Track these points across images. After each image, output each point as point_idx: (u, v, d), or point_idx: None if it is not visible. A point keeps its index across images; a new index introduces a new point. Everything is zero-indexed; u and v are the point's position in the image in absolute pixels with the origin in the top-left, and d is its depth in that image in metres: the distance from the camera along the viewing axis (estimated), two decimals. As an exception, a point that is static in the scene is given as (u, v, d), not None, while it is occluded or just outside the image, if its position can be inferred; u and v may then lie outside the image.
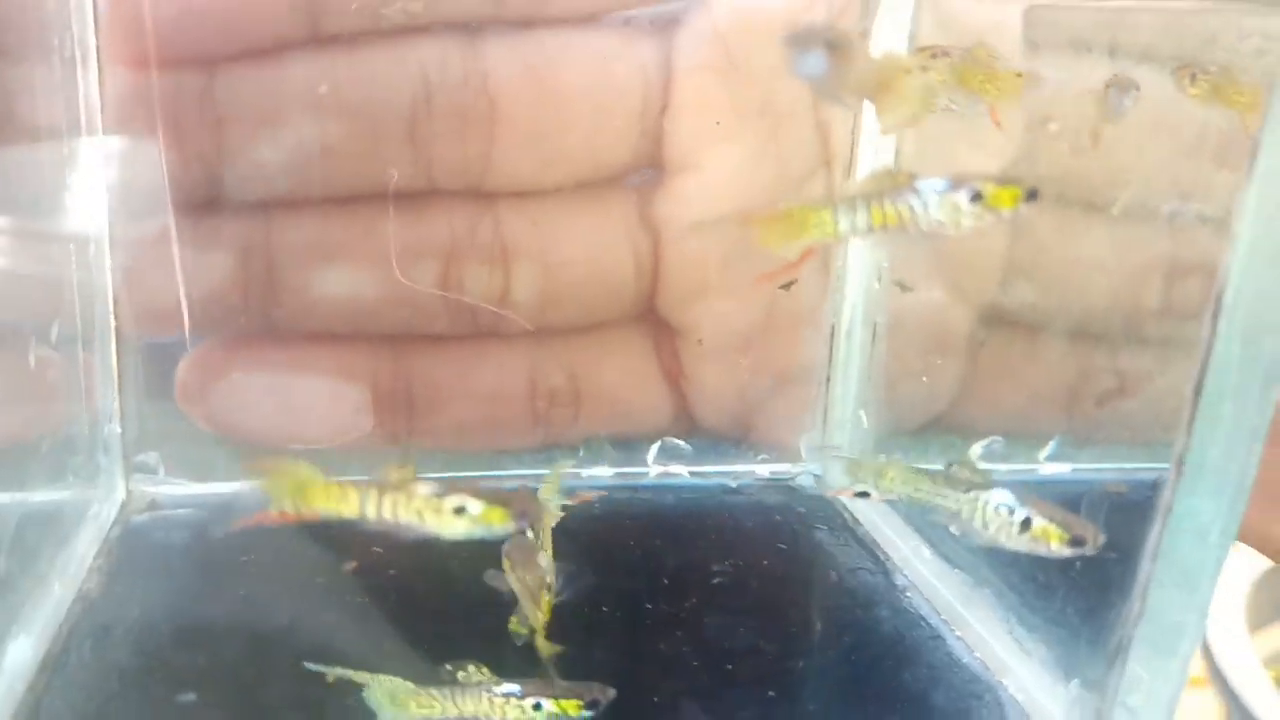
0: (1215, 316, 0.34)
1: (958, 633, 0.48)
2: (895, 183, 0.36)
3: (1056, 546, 0.38)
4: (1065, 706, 0.41)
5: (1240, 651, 1.64)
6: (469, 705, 0.37)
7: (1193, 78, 0.41)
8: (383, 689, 0.37)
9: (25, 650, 0.41)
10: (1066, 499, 0.43)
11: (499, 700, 0.37)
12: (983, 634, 0.47)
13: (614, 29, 0.54)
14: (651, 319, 0.59)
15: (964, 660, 0.46)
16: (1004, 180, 0.36)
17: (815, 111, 0.56)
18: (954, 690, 0.44)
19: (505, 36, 0.53)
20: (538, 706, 0.37)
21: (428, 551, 0.43)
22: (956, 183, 0.35)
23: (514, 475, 0.58)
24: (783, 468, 0.61)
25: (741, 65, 0.55)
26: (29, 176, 0.47)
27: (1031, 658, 0.44)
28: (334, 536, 0.49)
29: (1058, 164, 0.53)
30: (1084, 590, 0.41)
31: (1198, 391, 0.34)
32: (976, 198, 0.35)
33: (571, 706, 0.37)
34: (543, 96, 0.54)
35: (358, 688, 0.38)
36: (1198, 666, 1.77)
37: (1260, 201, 0.33)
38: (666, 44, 0.55)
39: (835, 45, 0.36)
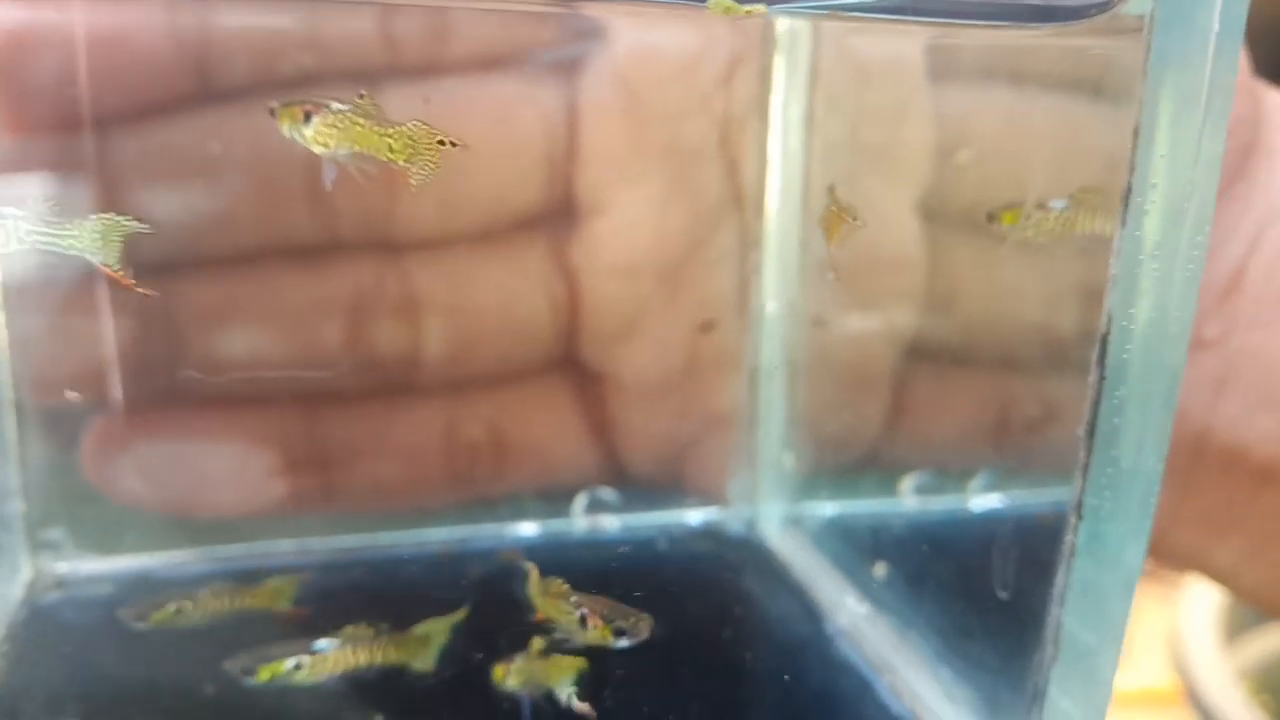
0: (1106, 333, 0.34)
1: (886, 679, 0.47)
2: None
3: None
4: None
5: (1214, 666, 1.66)
6: None
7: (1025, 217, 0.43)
8: None
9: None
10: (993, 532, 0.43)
11: None
12: (910, 680, 0.46)
13: (513, 73, 0.54)
14: (573, 366, 0.59)
15: (893, 708, 0.45)
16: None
17: (723, 150, 0.56)
18: (882, 740, 0.43)
19: (402, 84, 0.52)
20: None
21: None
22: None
23: (435, 537, 0.57)
24: (713, 513, 0.61)
25: (646, 106, 0.54)
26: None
27: (958, 703, 0.44)
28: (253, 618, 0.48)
29: (967, 194, 0.53)
30: (1003, 631, 0.40)
31: (1093, 415, 0.34)
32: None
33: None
34: (443, 143, 0.53)
35: None
36: (1172, 681, 1.78)
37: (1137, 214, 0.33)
38: (569, 88, 0.54)
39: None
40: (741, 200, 0.57)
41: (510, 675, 0.45)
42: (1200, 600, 1.79)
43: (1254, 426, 0.47)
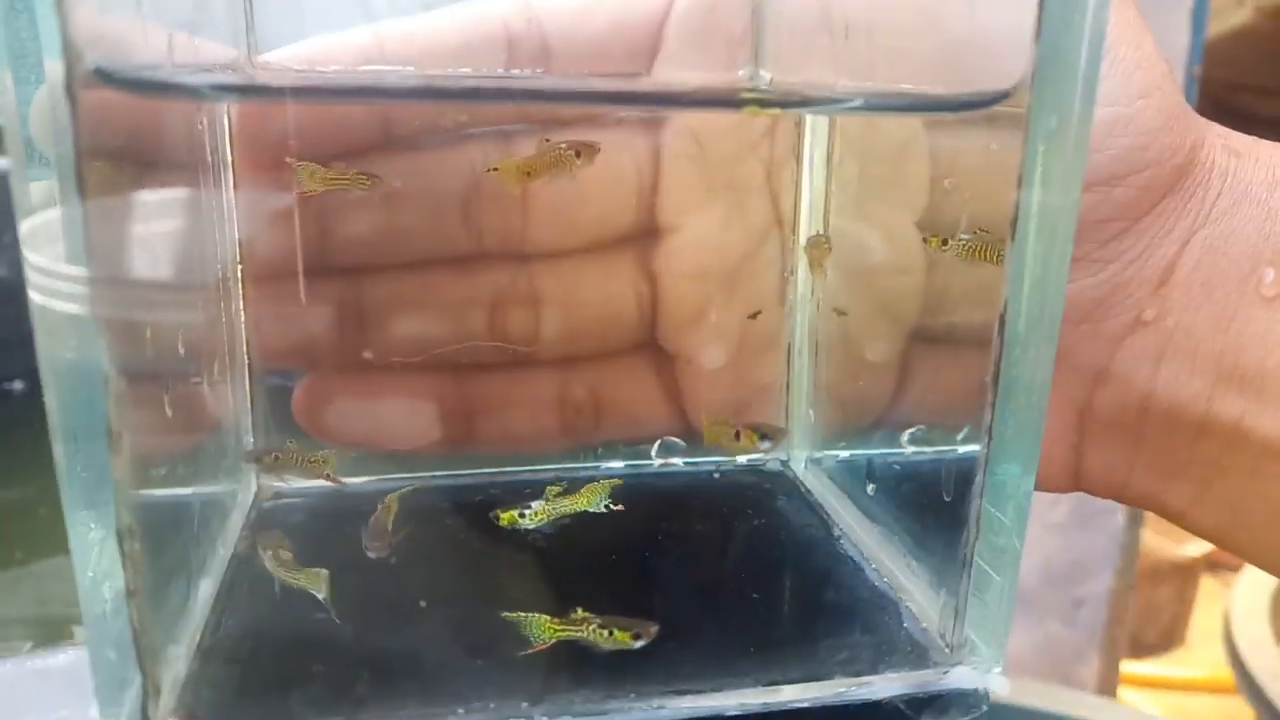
0: (1002, 319, 0.50)
1: (873, 566, 0.64)
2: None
3: None
4: (939, 608, 0.58)
5: (1269, 658, 1.75)
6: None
7: (944, 242, 0.57)
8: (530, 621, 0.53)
9: (208, 588, 0.59)
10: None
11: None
12: (891, 567, 0.63)
13: (614, 128, 0.72)
14: (653, 348, 0.76)
15: (876, 584, 0.62)
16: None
17: (768, 184, 0.74)
18: (867, 604, 0.60)
19: (531, 134, 0.70)
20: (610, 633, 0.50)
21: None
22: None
23: (549, 469, 0.76)
24: (757, 457, 0.78)
25: (710, 152, 0.73)
26: (198, 256, 0.65)
27: (920, 579, 0.60)
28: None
29: (957, 211, 0.68)
30: (947, 530, 0.57)
31: (995, 380, 0.51)
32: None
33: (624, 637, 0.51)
34: (563, 180, 0.71)
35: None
36: (1228, 673, 1.86)
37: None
38: (654, 138, 0.72)
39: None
40: (782, 221, 0.75)
41: (529, 517, 0.62)
42: (1253, 592, 1.86)
43: (1188, 389, 0.57)
